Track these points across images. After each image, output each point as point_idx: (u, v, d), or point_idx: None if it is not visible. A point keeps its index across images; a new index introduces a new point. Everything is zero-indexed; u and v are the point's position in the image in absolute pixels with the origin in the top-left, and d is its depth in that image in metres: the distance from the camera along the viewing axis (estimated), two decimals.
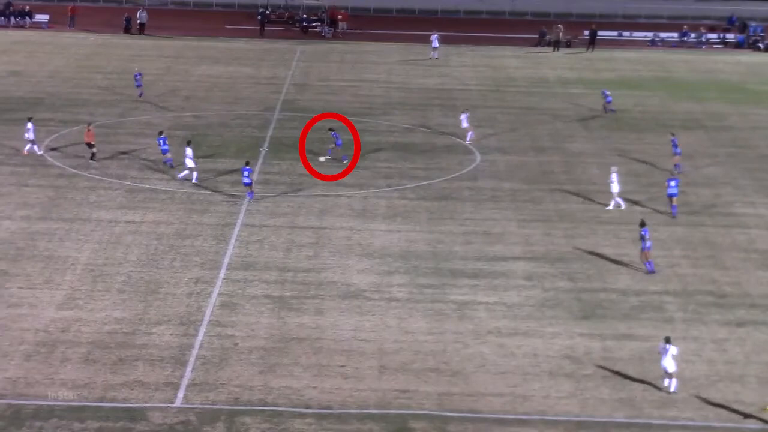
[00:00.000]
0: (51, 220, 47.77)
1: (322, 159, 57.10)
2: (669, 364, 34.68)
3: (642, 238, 44.14)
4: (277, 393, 34.23)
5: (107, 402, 33.40)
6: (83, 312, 39.21)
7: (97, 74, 76.55)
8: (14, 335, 37.14)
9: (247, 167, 50.26)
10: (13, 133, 59.23)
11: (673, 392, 34.71)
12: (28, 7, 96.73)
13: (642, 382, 35.58)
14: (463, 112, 63.88)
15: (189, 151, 53.11)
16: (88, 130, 55.47)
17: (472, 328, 39.15)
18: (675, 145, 57.34)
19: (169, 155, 54.92)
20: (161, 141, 54.97)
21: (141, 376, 35.00)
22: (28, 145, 56.36)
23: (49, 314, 38.88)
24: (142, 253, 44.74)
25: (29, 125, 56.32)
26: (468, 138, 62.37)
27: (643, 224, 44.52)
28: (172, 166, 54.63)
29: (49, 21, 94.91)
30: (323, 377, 35.34)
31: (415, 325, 39.15)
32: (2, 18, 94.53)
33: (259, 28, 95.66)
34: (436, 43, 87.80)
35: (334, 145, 57.18)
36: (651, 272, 43.96)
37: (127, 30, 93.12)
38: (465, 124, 62.70)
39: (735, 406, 34.27)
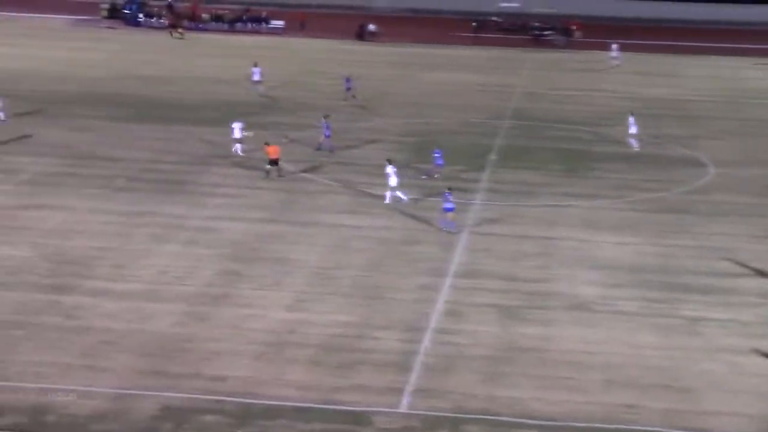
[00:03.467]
0: (282, 223, 48.55)
1: (423, 177, 55.57)
2: None
3: None
4: (500, 402, 33.85)
5: (332, 404, 33.61)
6: (310, 314, 39.65)
7: (325, 79, 77.61)
8: (244, 335, 37.80)
9: (448, 192, 48.63)
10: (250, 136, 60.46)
11: None
12: (265, 13, 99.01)
13: None
14: (630, 115, 62.32)
15: (390, 169, 51.64)
16: (273, 145, 55.61)
17: (702, 344, 37.97)
18: None
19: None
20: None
21: (365, 380, 35.09)
22: (236, 146, 57.48)
23: (278, 315, 39.46)
24: (368, 257, 45.03)
25: (236, 124, 57.76)
26: (634, 143, 60.80)
27: None
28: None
29: (284, 27, 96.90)
30: (548, 388, 34.77)
31: (643, 340, 38.19)
32: (239, 23, 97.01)
33: (490, 35, 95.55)
34: (616, 53, 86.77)
35: (433, 165, 55.71)
36: None
37: (360, 36, 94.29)
38: (633, 129, 61.09)
39: None
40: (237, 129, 58.02)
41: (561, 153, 60.32)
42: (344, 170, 56.20)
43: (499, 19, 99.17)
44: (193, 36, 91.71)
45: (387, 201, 50.96)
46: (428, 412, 33.15)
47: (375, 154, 58.94)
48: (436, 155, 55.52)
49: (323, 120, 59.55)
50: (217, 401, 33.40)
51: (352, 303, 40.64)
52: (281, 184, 53.45)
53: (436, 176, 54.71)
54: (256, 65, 72.87)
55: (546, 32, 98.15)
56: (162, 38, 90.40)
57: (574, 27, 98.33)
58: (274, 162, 54.05)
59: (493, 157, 59.20)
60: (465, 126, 66.20)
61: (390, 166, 51.49)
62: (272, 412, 32.93)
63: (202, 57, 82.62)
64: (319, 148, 58.97)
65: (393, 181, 51.13)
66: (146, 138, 60.69)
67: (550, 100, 73.93)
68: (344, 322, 39.00)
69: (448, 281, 42.76)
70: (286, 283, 42.20)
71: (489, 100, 73.19)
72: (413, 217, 49.49)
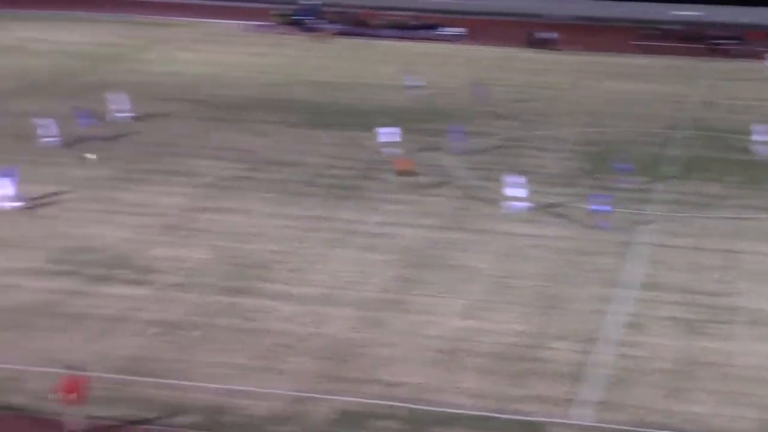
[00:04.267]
0: (455, 230, 48.39)
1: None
2: None
3: None
4: (680, 418, 33.09)
5: (506, 414, 33.32)
6: (485, 322, 39.40)
7: (499, 87, 77.11)
8: (419, 341, 37.75)
9: (602, 195, 48.43)
10: (427, 142, 60.46)
11: None
12: (437, 20, 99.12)
13: None
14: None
15: (512, 180, 51.15)
16: (401, 159, 55.11)
17: None
18: None
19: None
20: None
21: (540, 390, 34.72)
22: (385, 150, 57.65)
23: (451, 323, 39.31)
24: (544, 267, 44.57)
25: (385, 130, 58.15)
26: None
27: None
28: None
29: (457, 34, 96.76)
30: (730, 405, 33.88)
31: None
32: (411, 30, 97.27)
33: (665, 44, 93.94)
34: None
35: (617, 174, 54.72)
36: None
37: (532, 44, 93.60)
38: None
39: None
40: (387, 135, 58.32)
41: (742, 164, 58.85)
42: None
43: (674, 27, 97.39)
44: (366, 43, 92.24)
45: (508, 210, 50.52)
46: (606, 425, 32.61)
47: (550, 163, 58.41)
48: (618, 165, 54.90)
49: (453, 126, 59.36)
50: (392, 407, 33.43)
51: (527, 312, 40.26)
52: (454, 191, 53.30)
53: (623, 186, 53.99)
54: (411, 72, 73.11)
55: (724, 41, 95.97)
56: (338, 44, 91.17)
57: (754, 37, 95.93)
58: (402, 173, 53.90)
59: (670, 167, 58.06)
60: (641, 135, 65.10)
61: (512, 178, 51.11)
62: (447, 420, 32.83)
63: (375, 63, 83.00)
64: (459, 153, 58.79)
65: (519, 192, 50.69)
66: (321, 143, 61.20)
67: (727, 110, 72.21)
68: (519, 331, 38.66)
69: (626, 292, 42.04)
70: (461, 291, 42.03)
71: (666, 109, 71.83)
72: (590, 226, 48.78)
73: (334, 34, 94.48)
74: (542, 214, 50.48)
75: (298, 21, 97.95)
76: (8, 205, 49.04)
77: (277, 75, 78.70)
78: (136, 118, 64.03)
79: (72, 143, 58.59)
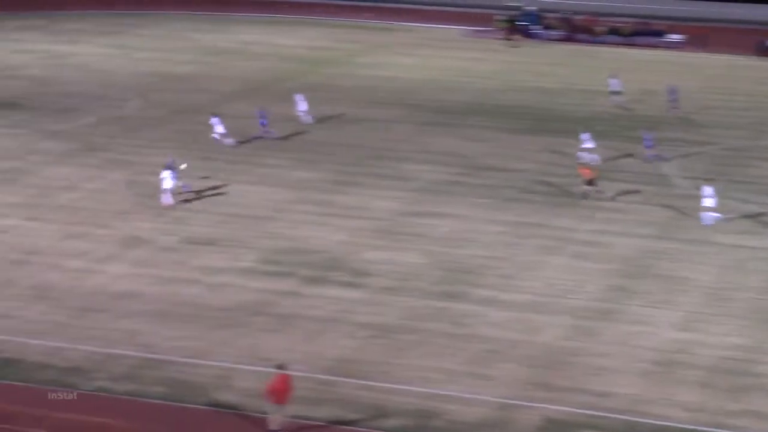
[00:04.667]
0: (672, 240, 47.17)
1: None
2: None
3: None
4: None
5: (721, 428, 32.23)
6: (701, 335, 38.26)
7: (724, 96, 75.02)
8: (632, 352, 36.90)
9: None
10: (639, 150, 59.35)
11: None
12: (662, 27, 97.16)
13: None
14: None
15: (708, 190, 49.10)
16: (585, 167, 53.62)
17: None
18: None
19: None
20: None
21: (758, 405, 33.52)
22: (584, 155, 56.74)
23: (667, 334, 38.30)
24: (763, 280, 43.03)
25: (584, 136, 57.45)
26: None
27: None
28: None
29: (683, 41, 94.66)
30: None
31: None
32: (635, 37, 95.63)
33: None
34: None
35: None
36: None
37: (762, 52, 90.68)
38: None
39: None
40: (587, 141, 57.45)
41: None
42: (741, 189, 53.91)
43: None
44: (586, 49, 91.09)
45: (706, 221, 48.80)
46: None
47: None
48: None
49: (646, 132, 58.32)
50: (602, 417, 32.72)
51: (747, 326, 38.94)
52: (671, 200, 51.96)
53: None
54: (614, 76, 71.67)
55: None
56: (558, 50, 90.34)
57: None
58: (590, 183, 52.63)
59: None
60: None
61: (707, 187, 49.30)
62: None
63: (596, 70, 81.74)
64: (654, 159, 57.53)
65: (709, 202, 48.85)
66: (537, 149, 60.48)
67: None
68: (738, 345, 37.42)
69: None
70: (677, 302, 40.92)
71: None
72: None
73: (507, 35, 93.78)
74: (762, 225, 48.77)
75: (520, 27, 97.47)
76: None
77: (494, 80, 78.35)
78: (318, 120, 64.50)
79: (246, 142, 59.76)
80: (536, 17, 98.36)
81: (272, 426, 31.64)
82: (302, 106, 64.88)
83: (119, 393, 33.73)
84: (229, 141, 58.94)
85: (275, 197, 51.81)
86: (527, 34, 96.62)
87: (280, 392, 31.24)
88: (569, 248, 46.27)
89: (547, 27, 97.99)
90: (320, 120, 64.62)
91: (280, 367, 31.97)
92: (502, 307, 40.28)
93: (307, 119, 64.45)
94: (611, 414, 32.94)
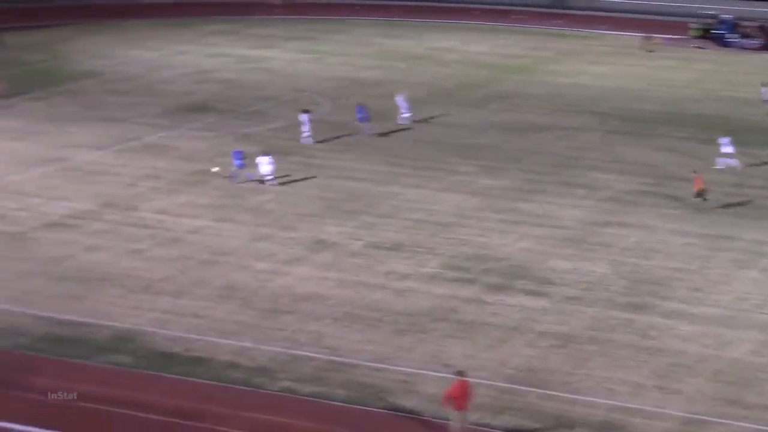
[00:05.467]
0: None
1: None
2: None
3: None
4: None
5: None
6: None
7: None
8: None
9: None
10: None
11: None
12: None
13: None
14: None
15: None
16: (697, 177, 51.87)
17: None
18: None
19: None
20: None
21: None
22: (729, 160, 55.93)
23: None
24: None
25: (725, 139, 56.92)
26: None
27: None
28: None
29: None
30: None
31: None
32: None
33: None
34: None
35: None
36: None
37: None
38: None
39: None
40: (725, 145, 56.55)
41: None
42: None
43: None
44: None
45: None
46: None
47: None
48: None
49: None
50: None
51: None
52: None
53: None
54: (766, 84, 69.53)
55: None
56: (755, 59, 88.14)
57: None
58: (699, 194, 50.81)
59: None
60: None
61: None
62: None
63: None
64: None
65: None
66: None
67: None
68: None
69: None
70: None
71: None
72: None
73: (656, 43, 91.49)
74: None
75: (715, 35, 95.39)
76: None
77: (689, 89, 76.84)
78: (506, 128, 64.20)
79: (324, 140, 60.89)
80: (732, 26, 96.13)
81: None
82: (403, 107, 64.93)
83: (303, 394, 34.02)
84: None
85: (462, 204, 51.69)
86: (723, 43, 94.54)
87: (458, 398, 31.05)
88: (761, 262, 44.96)
89: (743, 36, 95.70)
90: (508, 128, 64.27)
91: (459, 373, 31.78)
92: (690, 321, 39.35)
93: (404, 120, 64.39)
94: None
